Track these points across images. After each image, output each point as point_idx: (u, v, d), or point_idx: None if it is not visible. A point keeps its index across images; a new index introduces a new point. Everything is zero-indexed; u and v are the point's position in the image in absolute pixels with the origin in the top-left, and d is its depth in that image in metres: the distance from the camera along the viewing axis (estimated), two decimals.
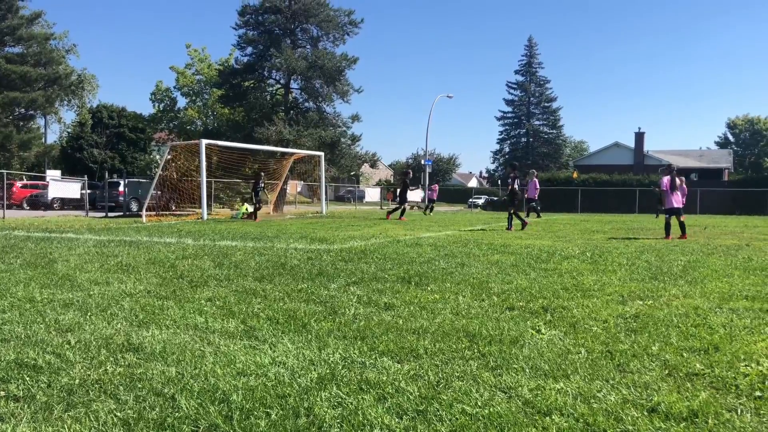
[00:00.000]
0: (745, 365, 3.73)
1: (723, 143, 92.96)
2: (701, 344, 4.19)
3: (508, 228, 16.32)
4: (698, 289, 6.41)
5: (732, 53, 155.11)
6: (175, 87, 53.82)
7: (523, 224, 16.48)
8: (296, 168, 32.77)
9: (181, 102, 55.21)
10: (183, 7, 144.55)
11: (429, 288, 6.44)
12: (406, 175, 24.11)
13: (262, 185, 20.75)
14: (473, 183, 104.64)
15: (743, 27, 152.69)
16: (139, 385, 3.33)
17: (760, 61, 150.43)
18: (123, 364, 3.72)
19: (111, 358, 3.81)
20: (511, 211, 16.60)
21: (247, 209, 24.80)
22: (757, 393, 3.25)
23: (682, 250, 10.64)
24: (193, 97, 53.66)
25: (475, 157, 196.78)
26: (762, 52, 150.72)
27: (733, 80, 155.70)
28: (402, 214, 23.08)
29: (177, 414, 2.94)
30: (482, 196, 67.09)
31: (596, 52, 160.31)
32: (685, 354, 3.97)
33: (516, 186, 16.78)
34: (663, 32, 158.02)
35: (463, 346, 4.16)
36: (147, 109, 65.77)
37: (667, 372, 3.61)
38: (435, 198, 35.56)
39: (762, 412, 3.01)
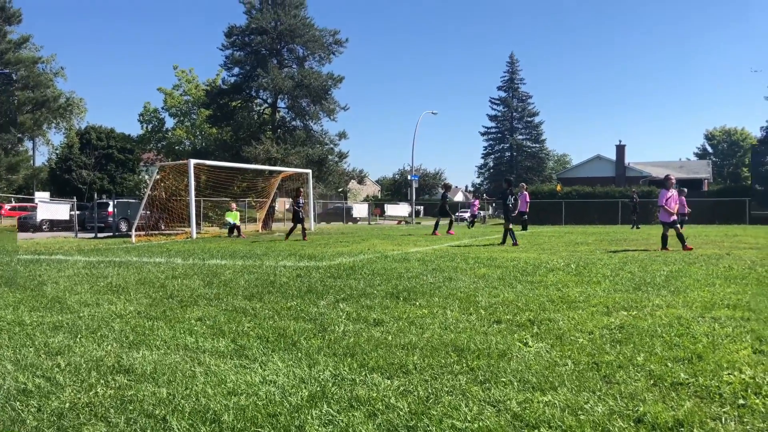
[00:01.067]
0: (728, 373, 3.75)
1: (702, 154, 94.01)
2: (685, 353, 4.21)
3: (514, 243, 15.63)
4: (681, 299, 6.45)
5: (710, 66, 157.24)
6: (163, 108, 53.87)
7: (515, 242, 16.03)
8: (284, 186, 32.74)
9: (170, 122, 55.24)
10: (170, 28, 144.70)
11: (417, 303, 6.43)
12: (447, 188, 23.85)
13: (302, 203, 20.40)
14: (459, 197, 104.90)
15: (720, 41, 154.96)
16: (130, 407, 3.29)
17: (737, 74, 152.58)
18: (113, 386, 3.68)
19: (101, 381, 3.77)
20: (509, 227, 16.29)
21: (228, 222, 24.68)
22: (741, 401, 3.27)
23: (665, 260, 10.71)
24: (181, 118, 53.68)
25: (461, 171, 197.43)
26: (738, 65, 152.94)
27: (711, 93, 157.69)
28: (450, 226, 23.73)
29: None
30: (469, 210, 67.25)
31: (576, 66, 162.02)
32: (669, 364, 3.99)
33: (511, 201, 16.74)
34: (642, 46, 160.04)
35: (452, 360, 4.15)
36: (135, 130, 65.61)
37: (652, 382, 3.62)
38: (477, 213, 35.48)
39: (746, 419, 3.02)
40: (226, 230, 24.92)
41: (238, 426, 3.01)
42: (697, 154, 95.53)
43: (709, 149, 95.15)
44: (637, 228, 29.02)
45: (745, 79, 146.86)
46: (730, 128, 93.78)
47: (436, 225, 23.37)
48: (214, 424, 3.04)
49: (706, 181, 59.21)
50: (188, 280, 8.62)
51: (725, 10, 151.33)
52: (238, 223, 24.72)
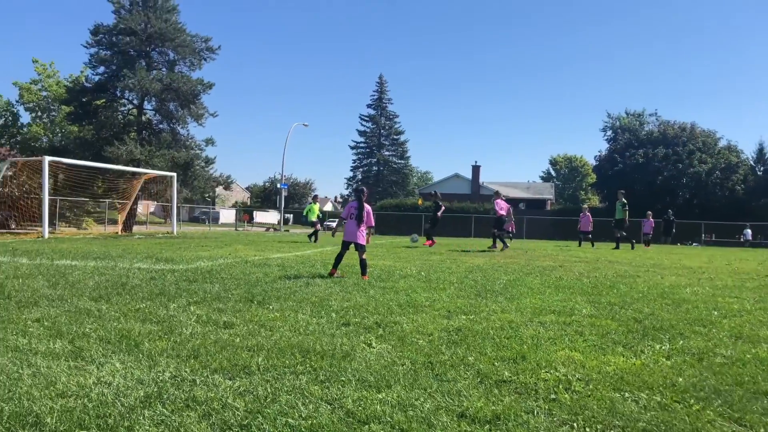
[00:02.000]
0: (546, 371, 4.00)
1: (546, 177, 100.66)
2: (511, 354, 4.45)
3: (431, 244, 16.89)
4: (515, 305, 6.82)
5: (555, 96, 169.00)
6: (18, 101, 49.67)
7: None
8: (148, 188, 31.26)
9: (25, 118, 51.02)
10: (29, 19, 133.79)
11: (271, 307, 6.33)
12: (436, 196, 21.93)
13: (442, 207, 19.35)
14: (329, 207, 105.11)
15: (564, 74, 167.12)
16: None
17: (578, 107, 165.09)
18: None
19: None
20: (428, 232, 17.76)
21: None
22: (552, 396, 3.49)
23: (505, 270, 11.31)
24: (39, 113, 49.76)
25: (331, 182, 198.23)
26: (579, 100, 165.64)
27: (555, 121, 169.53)
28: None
29: None
30: (336, 219, 67.52)
31: (440, 90, 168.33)
32: (496, 363, 4.19)
33: (439, 213, 18.65)
34: (498, 76, 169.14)
35: (297, 361, 4.12)
36: None
37: (479, 380, 3.79)
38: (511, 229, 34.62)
39: (554, 412, 3.23)
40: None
41: (62, 428, 2.80)
42: (542, 177, 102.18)
43: (553, 173, 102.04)
44: (691, 245, 29.97)
45: (585, 113, 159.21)
46: (571, 155, 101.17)
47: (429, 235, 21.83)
48: (34, 427, 2.81)
49: (549, 201, 63.41)
50: (31, 280, 7.96)
51: (569, 48, 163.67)
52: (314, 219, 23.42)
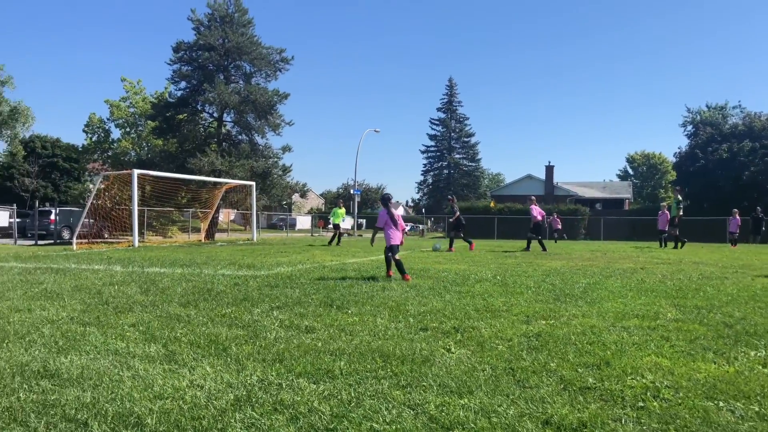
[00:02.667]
0: (632, 378, 3.87)
1: (623, 176, 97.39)
2: (594, 360, 4.33)
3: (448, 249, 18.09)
4: (595, 309, 6.64)
5: (632, 95, 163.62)
6: (109, 119, 52.39)
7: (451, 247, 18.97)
8: (229, 197, 32.26)
9: (116, 133, 53.71)
10: (118, 40, 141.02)
11: (349, 311, 6.41)
12: (453, 201, 21.26)
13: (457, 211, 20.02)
14: (401, 211, 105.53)
15: (641, 69, 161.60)
16: (52, 412, 3.16)
17: (656, 102, 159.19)
18: (37, 390, 3.52)
19: (24, 386, 3.61)
20: (461, 235, 19.10)
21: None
22: (640, 404, 3.38)
23: (584, 273, 11.02)
24: (128, 129, 52.30)
25: (402, 187, 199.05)
26: (656, 95, 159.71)
27: (633, 119, 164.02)
28: (451, 243, 20.46)
29: None
30: (408, 224, 67.68)
31: (511, 91, 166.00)
32: (579, 369, 4.09)
33: (452, 219, 19.21)
34: (570, 73, 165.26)
35: (378, 366, 4.15)
36: (81, 140, 63.41)
37: (562, 386, 3.71)
38: (559, 227, 34.53)
39: (643, 420, 3.12)
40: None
41: (161, 429, 2.93)
42: (619, 176, 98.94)
43: (630, 171, 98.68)
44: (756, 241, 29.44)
45: (663, 109, 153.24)
46: (649, 152, 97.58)
47: (451, 242, 20.71)
48: (136, 428, 2.95)
49: (627, 200, 61.36)
50: (125, 287, 8.37)
51: (645, 46, 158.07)
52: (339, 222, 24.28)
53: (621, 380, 3.83)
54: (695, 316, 6.24)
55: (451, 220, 20.80)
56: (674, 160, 51.48)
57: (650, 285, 9.05)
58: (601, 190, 63.66)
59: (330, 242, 23.91)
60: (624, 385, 3.72)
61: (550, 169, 58.36)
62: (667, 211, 23.86)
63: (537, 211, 20.14)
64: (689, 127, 54.61)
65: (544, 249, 19.64)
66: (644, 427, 3.03)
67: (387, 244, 10.10)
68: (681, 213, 22.55)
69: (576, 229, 41.89)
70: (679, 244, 22.71)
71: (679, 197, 22.74)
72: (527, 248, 20.29)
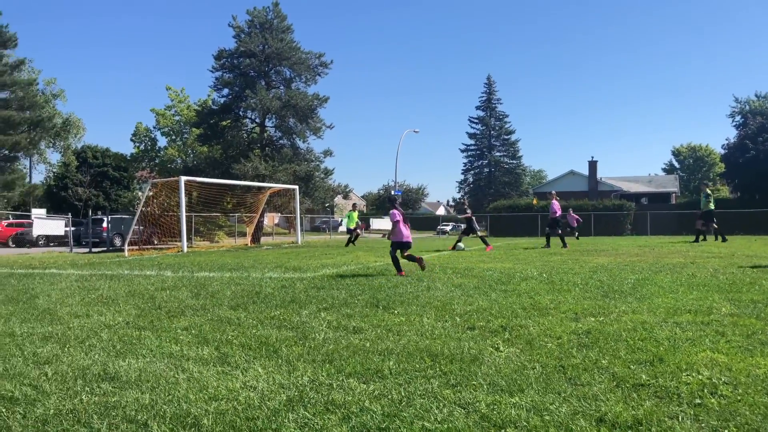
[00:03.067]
0: (687, 375, 3.78)
1: (669, 169, 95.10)
2: (647, 356, 4.24)
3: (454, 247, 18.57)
4: (646, 305, 6.50)
5: (676, 87, 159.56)
6: (155, 127, 53.72)
7: (487, 246, 18.90)
8: (273, 201, 32.68)
9: (162, 141, 55.06)
10: (161, 51, 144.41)
11: (396, 311, 6.42)
12: (463, 203, 21.41)
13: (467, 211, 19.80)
14: (441, 211, 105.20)
15: (686, 59, 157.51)
16: (113, 413, 3.26)
17: (701, 94, 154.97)
18: (98, 393, 3.64)
19: (86, 388, 3.73)
20: (475, 235, 19.26)
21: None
22: (697, 400, 3.29)
23: (632, 269, 10.79)
24: (173, 137, 53.51)
25: (442, 186, 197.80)
26: (702, 86, 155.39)
27: (678, 111, 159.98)
28: (485, 242, 20.01)
29: None
30: (450, 223, 67.40)
31: (551, 87, 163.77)
32: (632, 366, 4.01)
33: (470, 213, 19.16)
34: (611, 65, 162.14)
35: (426, 365, 4.15)
36: (128, 149, 65.27)
37: (615, 383, 3.64)
38: (575, 225, 33.99)
39: (701, 417, 3.04)
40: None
41: (217, 429, 2.99)
42: (664, 169, 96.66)
43: (676, 164, 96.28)
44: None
45: (709, 99, 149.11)
46: (696, 145, 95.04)
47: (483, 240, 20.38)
48: (193, 428, 3.01)
49: (673, 194, 59.86)
50: (176, 291, 8.56)
51: (689, 37, 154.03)
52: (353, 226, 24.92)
53: (676, 377, 3.74)
54: (751, 310, 6.05)
55: (461, 218, 20.47)
56: (722, 151, 49.98)
57: (702, 279, 8.81)
58: (646, 185, 62.26)
59: (347, 244, 24.28)
60: (679, 382, 3.63)
61: (593, 164, 57.36)
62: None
63: (557, 206, 20.18)
64: (738, 118, 52.97)
65: (565, 245, 19.73)
66: (702, 425, 2.96)
67: (397, 240, 10.66)
68: (712, 206, 21.96)
69: (621, 225, 41.07)
70: (719, 238, 22.39)
71: (708, 191, 22.24)
72: (547, 245, 20.23)
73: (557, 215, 20.02)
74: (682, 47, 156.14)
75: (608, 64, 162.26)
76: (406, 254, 10.59)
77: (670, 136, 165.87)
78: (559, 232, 20.45)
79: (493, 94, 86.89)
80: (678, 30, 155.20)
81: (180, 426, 3.04)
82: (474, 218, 19.96)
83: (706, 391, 3.46)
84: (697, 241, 22.38)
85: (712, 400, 3.29)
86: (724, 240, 22.13)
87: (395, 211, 10.71)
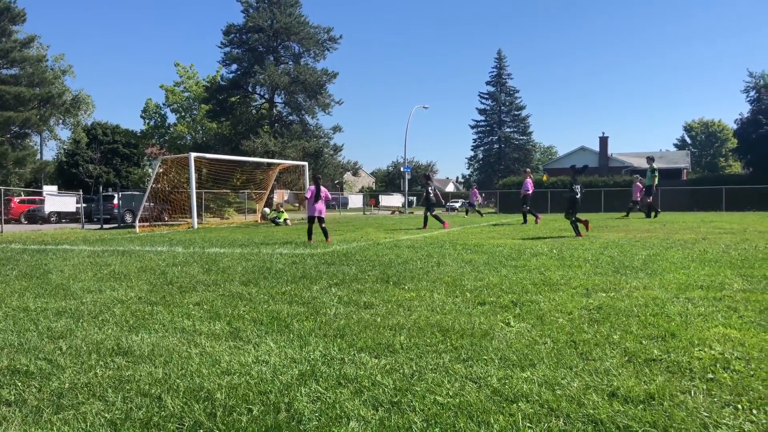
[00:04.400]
0: (699, 350, 3.77)
1: (681, 145, 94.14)
2: (659, 332, 4.23)
3: (424, 227, 18.16)
4: (657, 281, 6.47)
5: (688, 61, 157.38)
6: (164, 104, 53.65)
7: (444, 224, 18.50)
8: (282, 177, 32.67)
9: (171, 118, 55.04)
10: (170, 27, 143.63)
11: (406, 287, 6.43)
12: (428, 179, 20.42)
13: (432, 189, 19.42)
14: (450, 188, 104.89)
15: (698, 35, 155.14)
16: (127, 387, 3.29)
17: (714, 68, 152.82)
18: (112, 367, 3.67)
19: (101, 362, 3.77)
20: (433, 213, 18.85)
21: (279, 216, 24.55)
22: (710, 375, 3.28)
23: (643, 245, 10.74)
24: (182, 113, 53.46)
25: (452, 163, 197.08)
26: (715, 60, 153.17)
27: (690, 86, 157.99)
28: (425, 222, 19.14)
29: (163, 413, 2.91)
30: (459, 200, 67.27)
31: (561, 61, 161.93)
32: (643, 341, 4.00)
33: (430, 191, 18.93)
34: (623, 39, 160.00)
35: (437, 340, 4.16)
36: (138, 125, 65.33)
37: (626, 359, 3.63)
38: (474, 201, 33.48)
39: (714, 392, 3.03)
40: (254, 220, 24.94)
41: (230, 403, 3.01)
42: (676, 145, 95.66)
43: (688, 140, 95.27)
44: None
45: (722, 74, 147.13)
46: (708, 120, 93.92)
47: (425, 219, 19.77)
48: (207, 402, 3.04)
49: (685, 170, 59.37)
50: (188, 267, 8.60)
51: (704, 7, 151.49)
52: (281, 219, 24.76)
53: (688, 352, 3.73)
54: (764, 286, 6.01)
55: (430, 195, 19.29)
56: (735, 127, 49.36)
57: (713, 255, 8.76)
58: (657, 161, 61.68)
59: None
60: (691, 357, 3.62)
61: (604, 140, 56.88)
62: (639, 183, 23.82)
63: (530, 184, 20.36)
64: (752, 93, 52.20)
65: (525, 221, 20.14)
66: (715, 399, 2.95)
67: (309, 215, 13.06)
68: (656, 182, 22.39)
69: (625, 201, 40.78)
70: (653, 214, 22.52)
71: (654, 166, 22.42)
72: (524, 221, 20.32)
73: (529, 192, 20.14)
74: (696, 21, 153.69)
75: (620, 38, 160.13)
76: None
77: (682, 111, 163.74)
78: (527, 208, 20.52)
79: (504, 69, 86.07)
80: (691, 3, 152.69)
81: (193, 400, 3.07)
82: (433, 195, 19.37)
83: (718, 366, 3.44)
84: (648, 216, 22.59)
85: (725, 375, 3.27)
86: (655, 215, 22.59)
87: (310, 188, 13.20)
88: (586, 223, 13.73)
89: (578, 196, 13.47)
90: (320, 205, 13.05)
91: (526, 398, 3.00)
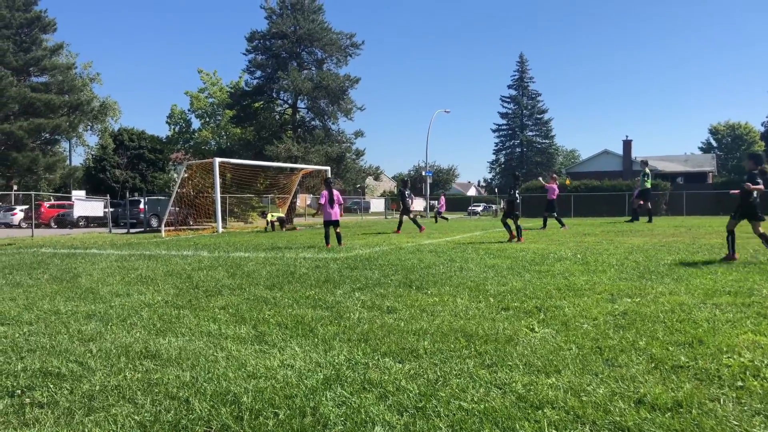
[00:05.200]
0: (728, 357, 3.71)
1: (706, 148, 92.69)
2: (686, 338, 4.17)
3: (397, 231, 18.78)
4: (683, 286, 6.38)
5: (713, 61, 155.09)
6: (189, 110, 54.24)
7: (421, 228, 18.87)
8: (305, 182, 32.81)
9: (196, 124, 55.62)
10: (194, 34, 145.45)
11: (429, 291, 6.42)
12: (404, 184, 21.18)
13: (409, 194, 19.67)
14: (472, 192, 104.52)
15: (723, 37, 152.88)
16: (156, 390, 3.33)
17: (740, 68, 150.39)
18: (141, 370, 3.72)
19: (130, 365, 3.82)
20: (411, 217, 19.43)
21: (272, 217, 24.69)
22: (739, 383, 3.23)
23: (669, 249, 10.59)
24: (207, 119, 54.00)
25: (473, 167, 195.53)
26: (740, 60, 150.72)
27: (715, 88, 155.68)
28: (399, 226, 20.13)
29: (191, 416, 2.94)
30: (481, 204, 66.98)
31: (584, 65, 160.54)
32: (670, 348, 3.95)
33: (406, 196, 19.34)
34: (647, 44, 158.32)
35: (461, 345, 4.14)
36: (164, 131, 66.12)
37: (653, 365, 3.59)
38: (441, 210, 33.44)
39: (743, 400, 2.98)
40: (264, 224, 25.01)
41: (257, 407, 3.03)
42: (701, 148, 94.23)
43: (714, 143, 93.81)
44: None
45: (748, 76, 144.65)
46: (734, 123, 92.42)
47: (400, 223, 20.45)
48: (233, 405, 3.06)
49: (710, 174, 58.45)
50: (213, 271, 8.68)
51: (727, 9, 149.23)
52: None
53: (716, 359, 3.67)
54: None
55: (407, 201, 19.80)
56: (762, 129, 48.52)
57: (741, 260, 8.60)
58: (682, 164, 60.86)
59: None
60: (720, 364, 3.57)
61: (627, 144, 56.26)
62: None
63: (555, 189, 20.33)
64: None
65: (544, 227, 19.77)
66: (745, 407, 2.90)
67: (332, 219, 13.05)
68: (648, 185, 22.14)
69: (657, 205, 40.31)
70: (644, 219, 22.35)
71: (647, 170, 22.16)
72: (543, 227, 20.00)
73: (553, 198, 20.02)
74: (719, 21, 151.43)
75: (643, 41, 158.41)
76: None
77: (707, 113, 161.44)
78: (553, 214, 20.18)
79: (526, 73, 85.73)
80: (713, 6, 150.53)
81: (220, 403, 3.10)
82: (409, 199, 19.56)
83: (748, 373, 3.39)
84: (635, 219, 22.29)
85: (755, 383, 3.22)
86: (649, 221, 22.09)
87: (323, 194, 13.33)
88: (512, 234, 13.63)
89: (517, 201, 13.94)
90: (335, 209, 13.16)
91: (552, 405, 2.98)
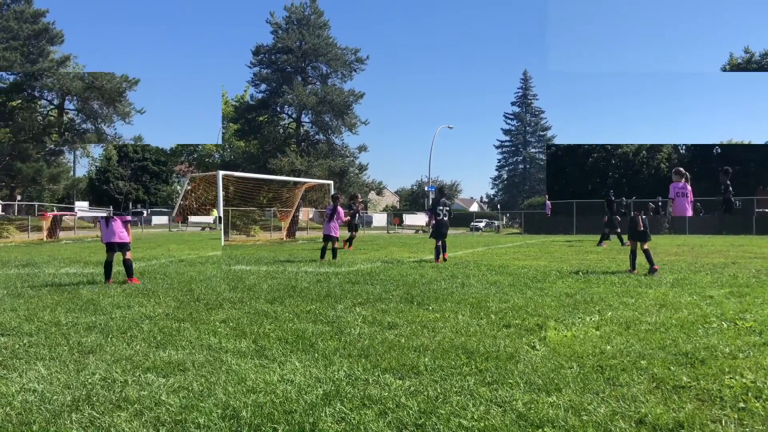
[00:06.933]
0: (730, 378, 3.69)
1: None
2: (688, 358, 4.15)
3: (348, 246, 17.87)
4: (685, 305, 6.35)
5: (718, 80, 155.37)
6: None
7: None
8: (308, 196, 32.90)
9: None
10: (199, 47, 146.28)
11: (430, 307, 6.41)
12: (354, 198, 20.23)
13: (357, 207, 18.64)
14: (474, 207, 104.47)
15: (723, 55, 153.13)
16: (154, 403, 3.31)
17: (746, 87, 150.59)
18: (140, 382, 3.70)
19: (129, 377, 3.80)
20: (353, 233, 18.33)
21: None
22: (741, 404, 3.21)
23: (671, 268, 10.57)
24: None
25: (476, 183, 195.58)
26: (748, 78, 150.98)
27: (719, 106, 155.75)
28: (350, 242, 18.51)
29: (189, 430, 2.92)
30: (483, 220, 66.94)
31: (588, 81, 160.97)
32: (672, 367, 3.93)
33: (356, 208, 18.66)
34: (648, 61, 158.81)
35: (462, 362, 4.13)
36: (168, 143, 66.46)
37: (654, 385, 3.57)
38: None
39: (745, 422, 2.96)
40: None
41: (256, 422, 3.02)
42: None
43: None
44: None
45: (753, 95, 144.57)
46: (737, 142, 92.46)
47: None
48: (233, 420, 3.05)
49: None
50: (214, 284, 8.67)
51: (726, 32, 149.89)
52: None
53: (718, 379, 3.65)
54: None
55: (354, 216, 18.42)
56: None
57: (744, 280, 8.58)
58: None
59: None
60: (722, 385, 3.54)
61: None
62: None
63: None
64: None
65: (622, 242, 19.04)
66: (747, 429, 2.88)
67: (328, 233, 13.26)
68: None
69: (659, 224, 40.26)
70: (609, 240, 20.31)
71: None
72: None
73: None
74: (719, 45, 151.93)
75: (646, 60, 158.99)
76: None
77: (711, 133, 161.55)
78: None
79: (529, 90, 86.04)
80: (717, 24, 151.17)
81: (219, 417, 3.08)
82: (359, 214, 18.61)
83: (750, 394, 3.37)
84: (600, 243, 19.96)
85: (757, 404, 3.20)
86: (606, 240, 20.11)
87: (328, 208, 13.62)
88: (438, 255, 12.70)
89: (443, 218, 12.94)
90: (333, 225, 13.43)
91: (552, 423, 2.96)
